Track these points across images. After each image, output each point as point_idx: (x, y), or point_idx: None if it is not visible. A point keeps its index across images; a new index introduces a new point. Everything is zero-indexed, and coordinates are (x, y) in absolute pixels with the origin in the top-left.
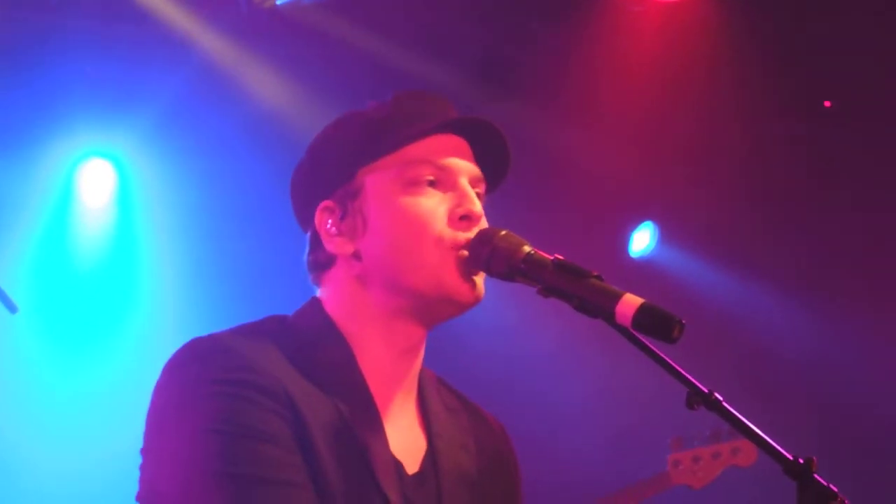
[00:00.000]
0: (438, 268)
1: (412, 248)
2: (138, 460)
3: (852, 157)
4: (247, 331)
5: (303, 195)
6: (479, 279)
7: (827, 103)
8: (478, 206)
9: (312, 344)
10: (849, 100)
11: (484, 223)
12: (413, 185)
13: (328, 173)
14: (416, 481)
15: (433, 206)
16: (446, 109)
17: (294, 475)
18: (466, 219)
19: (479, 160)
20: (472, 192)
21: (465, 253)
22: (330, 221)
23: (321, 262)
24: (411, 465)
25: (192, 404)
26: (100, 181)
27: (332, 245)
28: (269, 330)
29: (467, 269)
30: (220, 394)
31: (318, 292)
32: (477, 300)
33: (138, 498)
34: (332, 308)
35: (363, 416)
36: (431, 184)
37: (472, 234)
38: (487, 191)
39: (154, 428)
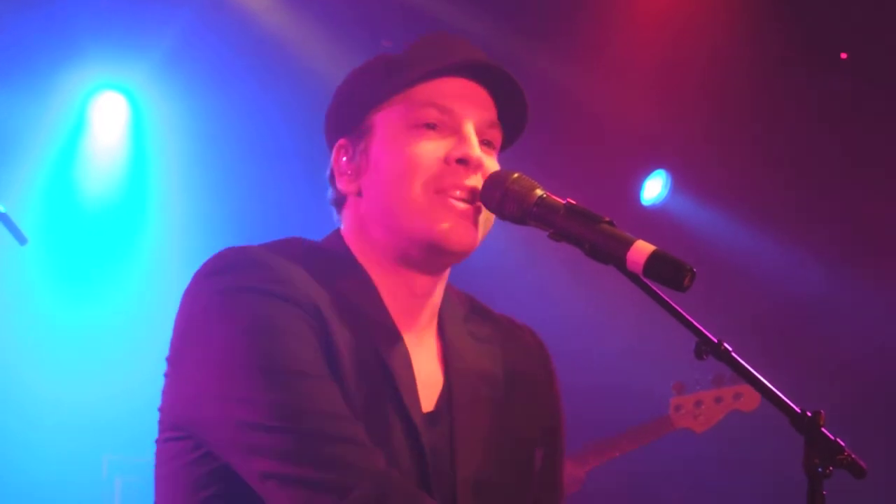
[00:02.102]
0: (425, 212)
1: (403, 189)
2: (142, 391)
3: (868, 108)
4: (277, 247)
5: (327, 134)
6: (476, 226)
7: (843, 55)
8: (476, 151)
9: (336, 271)
10: (865, 51)
11: (491, 168)
12: (415, 128)
13: (345, 113)
14: (430, 420)
15: (430, 149)
16: (466, 53)
17: (325, 371)
18: (463, 163)
19: (498, 107)
20: (472, 137)
21: (460, 202)
22: (344, 159)
23: (336, 200)
24: (427, 404)
25: (224, 309)
26: (112, 114)
27: (340, 182)
28: (296, 251)
29: (458, 215)
30: (252, 300)
31: (341, 227)
32: (467, 247)
33: (162, 408)
34: (349, 242)
35: (389, 343)
36: (433, 127)
37: (470, 179)
38: (508, 139)
39: (184, 333)
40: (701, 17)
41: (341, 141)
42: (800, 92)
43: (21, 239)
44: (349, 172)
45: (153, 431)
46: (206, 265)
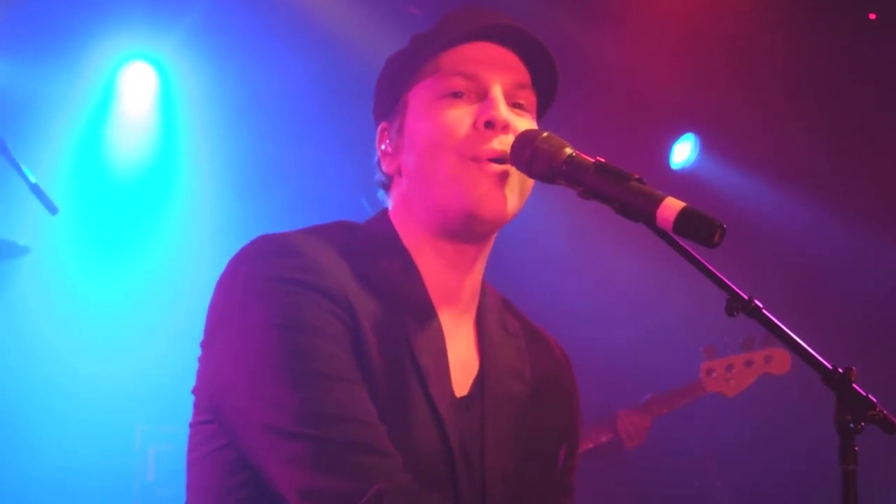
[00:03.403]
0: (459, 181)
1: (435, 160)
2: (174, 362)
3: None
4: (315, 233)
5: (374, 120)
6: (510, 192)
7: (872, 15)
8: (501, 112)
9: (378, 253)
10: (894, 11)
11: (520, 128)
12: (442, 97)
13: (384, 96)
14: (462, 405)
15: (457, 116)
16: (496, 18)
17: (353, 374)
18: (490, 126)
19: (530, 70)
20: (498, 99)
21: (493, 165)
22: (386, 141)
23: (383, 182)
24: (460, 388)
25: (257, 299)
26: (141, 84)
27: (384, 164)
28: (337, 234)
29: (491, 182)
30: (284, 291)
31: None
32: (501, 215)
33: (195, 390)
34: (395, 221)
35: (423, 327)
36: (460, 95)
37: (501, 142)
38: (543, 102)
39: (217, 321)
40: None
41: (383, 124)
42: (828, 53)
43: (52, 209)
44: (390, 153)
45: (185, 401)
46: (240, 252)
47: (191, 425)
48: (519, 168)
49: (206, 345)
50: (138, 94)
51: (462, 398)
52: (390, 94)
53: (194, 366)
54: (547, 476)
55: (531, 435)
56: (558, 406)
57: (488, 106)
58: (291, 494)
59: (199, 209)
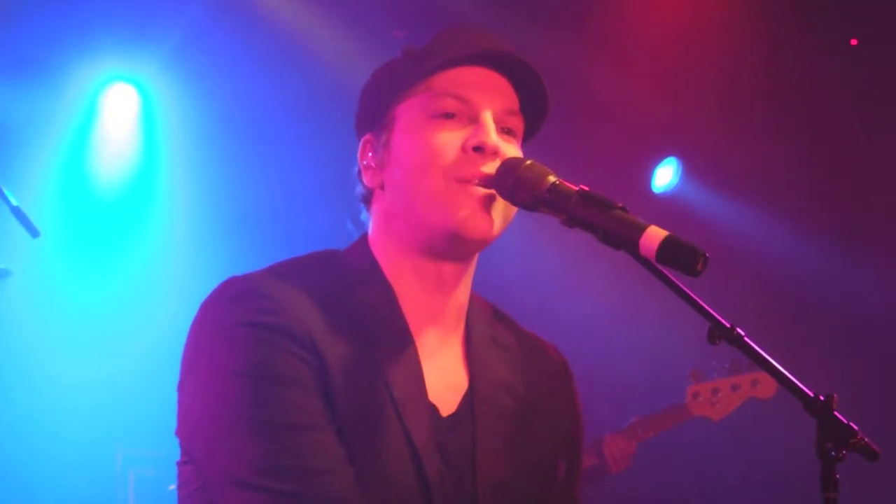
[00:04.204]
0: (445, 201)
1: (422, 179)
2: (156, 387)
3: (879, 93)
4: (286, 270)
5: (357, 133)
6: (496, 214)
7: (854, 41)
8: (492, 138)
9: (355, 283)
10: (875, 36)
11: (508, 154)
12: (433, 118)
13: (370, 108)
14: (450, 423)
15: (447, 138)
16: (492, 43)
17: (318, 420)
18: (479, 150)
19: (520, 96)
20: (489, 124)
21: (479, 188)
22: (369, 154)
23: (363, 196)
24: (448, 407)
25: (222, 345)
26: (123, 105)
27: (366, 177)
28: (312, 268)
29: (477, 203)
30: (249, 337)
31: (368, 228)
32: (485, 235)
33: (177, 432)
34: (373, 244)
35: (398, 357)
36: (451, 116)
37: (487, 166)
38: (531, 128)
39: (187, 365)
40: (712, 4)
41: (367, 136)
42: (809, 78)
43: (33, 232)
44: (373, 166)
45: (166, 425)
46: (209, 296)
47: (177, 464)
48: (502, 196)
49: (179, 388)
50: (120, 115)
51: (449, 416)
52: (377, 107)
53: (175, 391)
54: (544, 490)
55: (525, 448)
56: (555, 418)
57: (479, 130)
58: None
59: (181, 230)
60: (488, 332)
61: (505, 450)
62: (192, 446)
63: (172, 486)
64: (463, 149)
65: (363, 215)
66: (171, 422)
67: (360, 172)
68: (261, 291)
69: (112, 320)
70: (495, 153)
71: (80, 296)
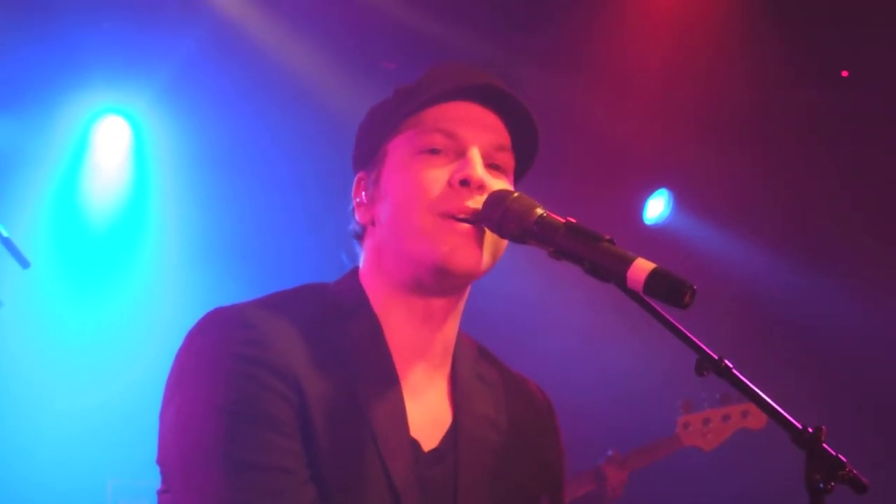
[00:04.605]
0: (430, 235)
1: (408, 214)
2: (146, 415)
3: (869, 124)
4: (273, 302)
5: (353, 170)
6: (484, 249)
7: (844, 73)
8: (477, 172)
9: (342, 316)
10: (865, 67)
11: (495, 188)
12: (420, 153)
13: (363, 146)
14: (433, 458)
15: (434, 173)
16: (479, 78)
17: (289, 461)
18: (465, 184)
19: (510, 132)
20: (475, 158)
21: (465, 224)
22: (362, 192)
23: (356, 233)
24: (431, 441)
25: (203, 377)
26: (115, 137)
27: (358, 213)
28: (299, 300)
29: (463, 238)
30: (230, 370)
31: (360, 262)
32: (471, 270)
33: (158, 461)
34: (364, 278)
35: (381, 394)
36: (438, 152)
37: (473, 201)
38: (522, 164)
39: (170, 393)
40: (701, 37)
41: (360, 174)
42: (801, 111)
43: (24, 263)
44: (365, 203)
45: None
46: (194, 326)
47: (157, 493)
48: (490, 228)
49: (160, 415)
50: (112, 147)
51: (431, 451)
52: (370, 145)
53: None
54: None
55: (509, 485)
56: (539, 455)
57: (465, 165)
58: None
59: (171, 261)
60: (474, 369)
61: (487, 485)
62: (168, 476)
63: None
64: (449, 183)
65: (357, 253)
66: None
67: (353, 210)
68: (246, 322)
69: (102, 350)
70: (481, 187)
71: (70, 326)
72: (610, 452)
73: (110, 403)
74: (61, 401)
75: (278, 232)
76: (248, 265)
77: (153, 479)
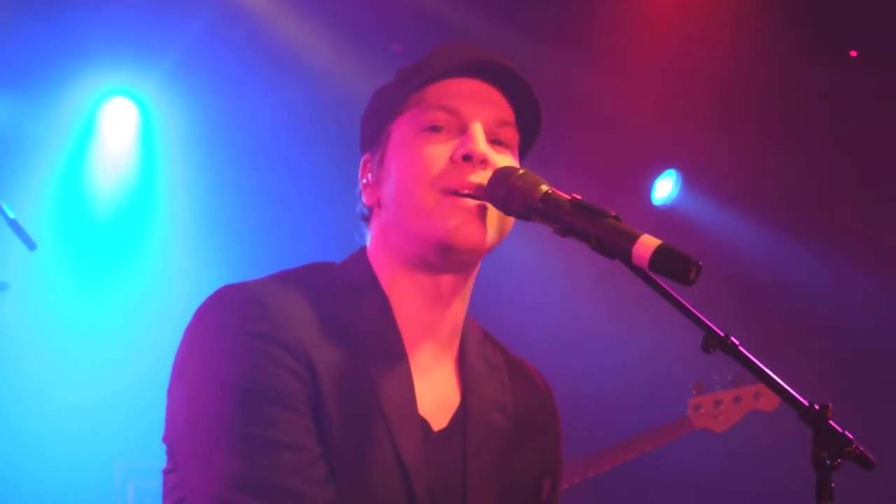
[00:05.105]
0: (434, 212)
1: (412, 192)
2: (153, 396)
3: (877, 105)
4: (282, 280)
5: (360, 151)
6: (489, 224)
7: (853, 53)
8: (480, 147)
9: (351, 295)
10: (874, 48)
11: (499, 164)
12: (423, 131)
13: (369, 129)
14: (441, 438)
15: (436, 150)
16: (480, 54)
17: (301, 437)
18: (468, 159)
19: (514, 107)
20: (478, 133)
21: (469, 199)
22: (369, 174)
23: (363, 214)
24: (439, 422)
25: (214, 353)
26: (122, 119)
27: (365, 195)
28: (308, 279)
29: (467, 213)
30: (241, 346)
31: (367, 244)
32: (477, 245)
33: (164, 439)
34: (372, 258)
35: (391, 372)
36: (440, 129)
37: (476, 175)
38: (527, 140)
39: (176, 371)
40: (711, 16)
41: (366, 156)
42: (809, 89)
43: (30, 244)
44: (371, 184)
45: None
46: (205, 302)
47: (162, 472)
48: (495, 205)
49: (168, 393)
50: (119, 129)
51: (441, 431)
52: (375, 126)
53: None
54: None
55: (513, 468)
56: (541, 438)
57: (467, 140)
58: None
59: (179, 243)
60: (481, 351)
61: (494, 467)
62: (176, 454)
63: None
64: (451, 160)
65: (364, 232)
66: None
67: (360, 192)
68: (256, 299)
69: (110, 332)
70: (484, 162)
71: (77, 308)
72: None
73: (117, 385)
74: (68, 383)
75: (289, 213)
76: (257, 249)
77: (161, 461)
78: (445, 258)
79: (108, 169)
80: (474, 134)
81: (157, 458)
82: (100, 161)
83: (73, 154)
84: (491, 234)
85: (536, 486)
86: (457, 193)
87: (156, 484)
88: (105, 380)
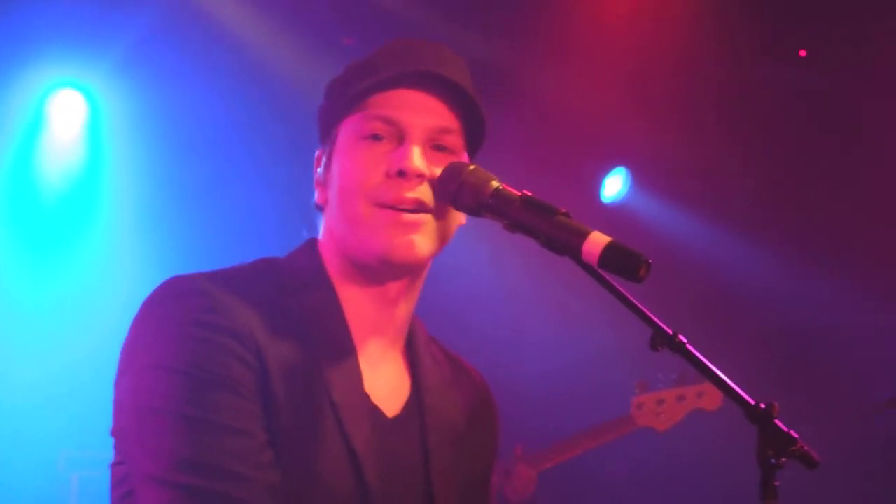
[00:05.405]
0: (368, 225)
1: (349, 203)
2: (99, 386)
3: (828, 105)
4: (230, 273)
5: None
6: (426, 236)
7: (802, 52)
8: (414, 163)
9: (299, 287)
10: (824, 46)
11: (437, 174)
12: (363, 139)
13: (322, 123)
14: (395, 425)
15: (371, 160)
16: (421, 63)
17: (248, 423)
18: (402, 175)
19: (458, 114)
20: (413, 149)
21: (405, 214)
22: (319, 171)
23: (317, 208)
24: (392, 409)
25: (161, 343)
26: (70, 111)
27: (317, 191)
28: (255, 272)
29: (402, 229)
30: (188, 335)
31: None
32: (411, 260)
33: (112, 431)
34: (323, 252)
35: (339, 362)
36: (380, 138)
37: (413, 191)
38: (473, 144)
39: (125, 361)
40: (665, 17)
41: (319, 151)
42: (759, 88)
43: None
44: (321, 182)
45: (109, 427)
46: (152, 293)
47: (110, 466)
48: (445, 200)
49: (115, 385)
50: (67, 121)
51: (394, 418)
52: (326, 123)
53: None
54: (482, 495)
55: (468, 464)
56: (485, 434)
57: (402, 156)
58: None
59: (126, 234)
60: (427, 348)
61: (453, 462)
62: (123, 444)
63: None
64: (387, 174)
65: (318, 222)
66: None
67: (314, 185)
68: (203, 290)
69: (56, 321)
70: (420, 177)
71: (22, 298)
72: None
73: (63, 375)
74: (12, 371)
75: (232, 207)
76: (201, 240)
77: (106, 451)
78: (385, 268)
79: (55, 160)
80: (409, 149)
81: (103, 449)
82: (48, 152)
83: (22, 145)
84: (429, 245)
85: (486, 480)
86: (393, 208)
87: (100, 474)
88: (51, 367)
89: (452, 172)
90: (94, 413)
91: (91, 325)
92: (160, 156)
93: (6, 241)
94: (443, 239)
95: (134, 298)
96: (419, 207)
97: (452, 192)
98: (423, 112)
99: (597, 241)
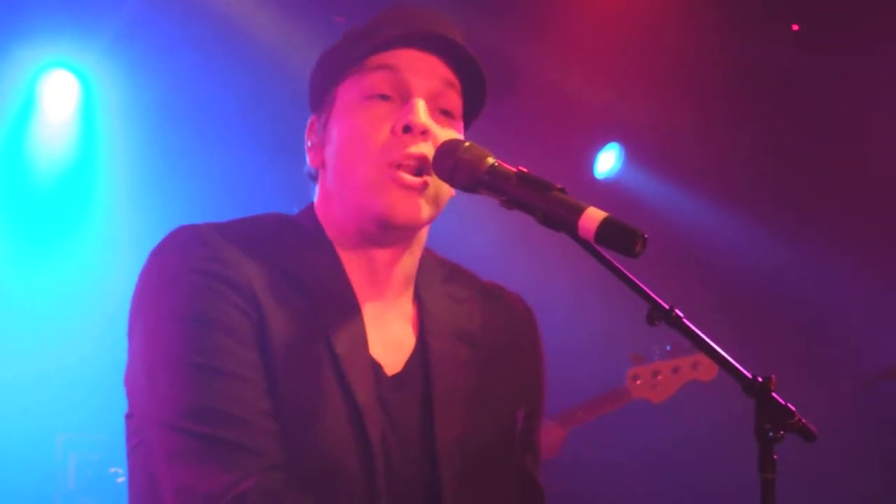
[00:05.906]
0: (373, 185)
1: (353, 163)
2: (95, 368)
3: (821, 80)
4: (235, 223)
5: (310, 112)
6: (426, 200)
7: (795, 27)
8: (420, 118)
9: (303, 246)
10: (817, 22)
11: (441, 136)
12: (367, 98)
13: (315, 90)
14: (395, 382)
15: (377, 118)
16: (424, 25)
17: (247, 371)
18: (408, 131)
19: (460, 78)
20: (418, 104)
21: (408, 175)
22: (314, 136)
23: (310, 175)
24: (393, 366)
25: (165, 290)
26: (62, 92)
27: (309, 157)
28: (261, 225)
29: (406, 190)
30: (193, 283)
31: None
32: (413, 222)
33: (125, 381)
34: (320, 215)
35: (342, 318)
36: (386, 98)
37: (417, 147)
38: (472, 109)
39: (135, 312)
40: None
41: (312, 117)
42: (752, 63)
43: None
44: (316, 146)
45: (107, 408)
46: (158, 243)
47: (125, 417)
48: (441, 177)
49: (128, 335)
50: (59, 102)
51: (395, 376)
52: (321, 88)
53: (116, 371)
54: (503, 440)
55: (485, 400)
56: (516, 367)
57: (408, 111)
58: (169, 493)
59: (120, 214)
60: (442, 290)
61: (462, 404)
62: (132, 395)
63: (114, 469)
64: (392, 131)
65: (312, 194)
66: (113, 405)
67: (306, 152)
68: (206, 240)
69: (51, 303)
70: (425, 133)
71: (18, 280)
72: (571, 404)
73: (59, 357)
74: (9, 354)
75: (231, 187)
76: (198, 221)
77: (104, 433)
78: (381, 232)
79: (48, 141)
80: (415, 105)
81: (99, 430)
82: (40, 133)
83: (13, 128)
84: (427, 210)
85: (511, 417)
86: (398, 167)
87: (97, 457)
88: (48, 351)
89: (447, 150)
90: (90, 395)
91: (88, 308)
92: (156, 138)
93: None
94: (439, 205)
95: (130, 281)
96: (422, 165)
97: (448, 168)
98: (427, 72)
99: (593, 216)
